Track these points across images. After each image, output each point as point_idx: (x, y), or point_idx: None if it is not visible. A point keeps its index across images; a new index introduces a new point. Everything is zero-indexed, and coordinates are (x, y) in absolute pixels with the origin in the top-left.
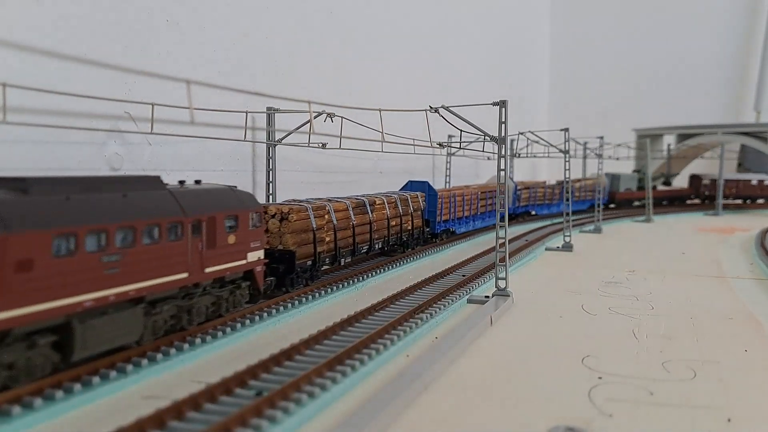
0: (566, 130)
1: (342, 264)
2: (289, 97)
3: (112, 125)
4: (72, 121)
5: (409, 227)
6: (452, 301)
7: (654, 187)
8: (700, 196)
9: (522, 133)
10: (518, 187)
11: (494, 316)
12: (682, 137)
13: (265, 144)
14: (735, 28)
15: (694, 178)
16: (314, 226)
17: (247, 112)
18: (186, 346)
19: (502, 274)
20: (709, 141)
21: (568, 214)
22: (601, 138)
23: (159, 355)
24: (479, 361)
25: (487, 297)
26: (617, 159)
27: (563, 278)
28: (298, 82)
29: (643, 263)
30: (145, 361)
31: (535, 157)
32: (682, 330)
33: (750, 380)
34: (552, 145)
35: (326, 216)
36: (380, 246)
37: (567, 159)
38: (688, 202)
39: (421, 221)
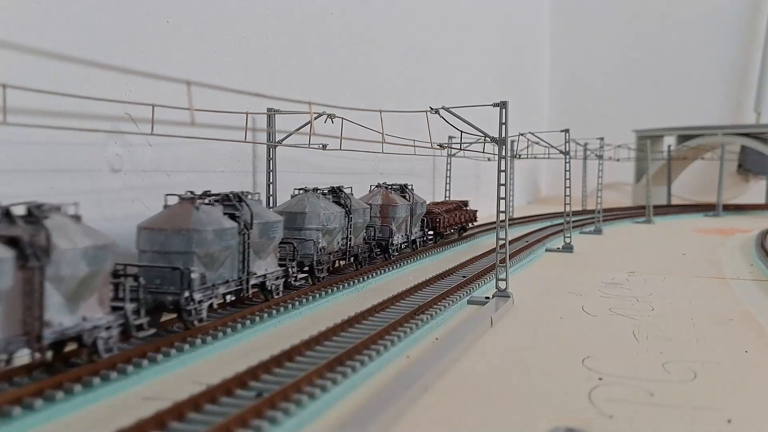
0: (567, 131)
1: None
2: (289, 98)
3: (112, 126)
4: (72, 123)
5: None
6: (453, 302)
7: None
8: None
9: (522, 134)
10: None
11: (495, 317)
12: (683, 138)
13: (265, 145)
14: (735, 29)
15: None
16: None
17: (247, 113)
18: (186, 346)
19: (502, 275)
20: (709, 142)
21: (568, 214)
22: (602, 139)
23: (159, 356)
24: (480, 362)
25: (487, 298)
26: (617, 160)
27: (563, 279)
28: (299, 83)
29: (644, 264)
30: (145, 362)
31: (535, 158)
32: (682, 331)
33: (750, 381)
34: (552, 146)
35: None
36: None
37: (567, 160)
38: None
39: None
